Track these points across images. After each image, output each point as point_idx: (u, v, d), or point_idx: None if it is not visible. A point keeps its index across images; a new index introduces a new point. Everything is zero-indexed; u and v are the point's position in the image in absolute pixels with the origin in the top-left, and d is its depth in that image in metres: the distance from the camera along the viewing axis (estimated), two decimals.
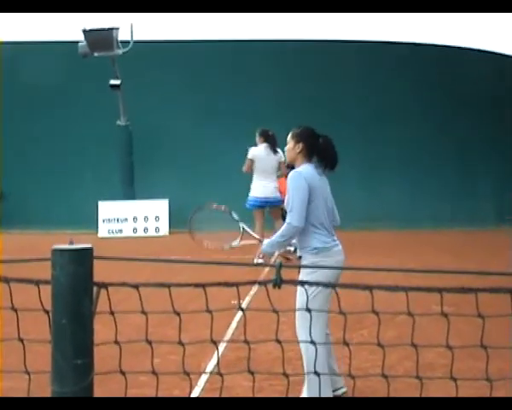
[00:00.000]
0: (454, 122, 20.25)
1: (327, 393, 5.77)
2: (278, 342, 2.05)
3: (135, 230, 19.57)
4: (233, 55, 20.66)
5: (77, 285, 1.90)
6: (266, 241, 6.09)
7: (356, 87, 20.38)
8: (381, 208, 18.08)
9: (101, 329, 2.51)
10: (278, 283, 1.89)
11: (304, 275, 5.81)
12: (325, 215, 6.01)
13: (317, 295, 5.60)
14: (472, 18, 15.86)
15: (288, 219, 5.85)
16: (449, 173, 20.21)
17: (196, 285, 1.88)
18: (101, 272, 2.37)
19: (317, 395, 5.75)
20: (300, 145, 6.01)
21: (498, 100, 20.04)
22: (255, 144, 13.07)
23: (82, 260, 1.92)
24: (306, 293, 4.75)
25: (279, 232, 5.94)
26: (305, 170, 5.97)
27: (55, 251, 1.93)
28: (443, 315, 1.95)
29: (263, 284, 1.92)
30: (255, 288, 9.77)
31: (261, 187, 13.19)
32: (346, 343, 2.24)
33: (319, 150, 6.02)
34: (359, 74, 20.46)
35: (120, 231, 19.53)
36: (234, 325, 8.54)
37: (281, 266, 1.92)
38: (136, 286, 1.94)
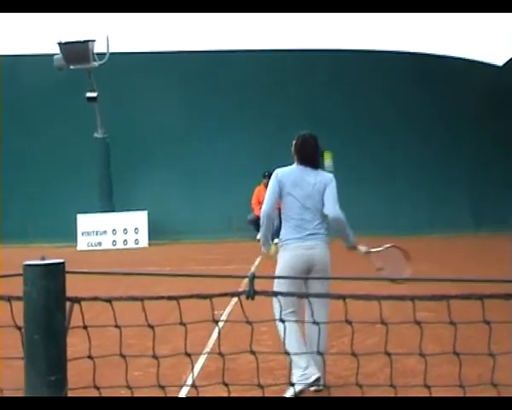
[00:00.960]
0: (433, 131, 20.37)
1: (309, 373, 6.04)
2: (253, 353, 2.05)
3: (114, 242, 19.48)
4: (209, 65, 20.66)
5: (49, 301, 1.88)
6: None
7: (335, 96, 20.43)
8: (360, 215, 18.06)
9: (80, 343, 2.49)
10: (251, 294, 1.89)
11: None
12: (298, 210, 6.56)
13: (281, 285, 6.29)
14: (457, 28, 15.95)
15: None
16: (427, 180, 20.30)
17: (169, 298, 1.87)
18: (79, 285, 2.36)
19: (296, 377, 6.04)
20: (292, 149, 6.79)
21: (478, 110, 20.19)
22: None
23: (54, 275, 1.90)
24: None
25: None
26: (286, 169, 6.72)
27: (26, 267, 1.92)
28: (416, 323, 1.96)
29: (236, 295, 1.91)
30: (236, 298, 9.76)
31: None
32: (319, 353, 2.24)
33: (299, 151, 6.73)
34: (337, 83, 20.52)
35: (99, 243, 19.44)
36: (215, 335, 8.51)
37: (254, 277, 1.92)
38: (108, 300, 1.94)
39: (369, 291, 1.96)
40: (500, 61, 20.15)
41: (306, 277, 6.43)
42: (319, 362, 5.99)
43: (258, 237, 7.03)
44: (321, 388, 6.09)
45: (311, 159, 6.71)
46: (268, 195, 6.70)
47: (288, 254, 6.47)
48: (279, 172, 6.68)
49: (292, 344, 6.00)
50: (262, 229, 6.78)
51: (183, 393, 6.25)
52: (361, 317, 2.75)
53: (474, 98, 20.25)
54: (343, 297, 1.76)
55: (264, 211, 6.69)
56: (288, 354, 5.32)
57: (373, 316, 2.57)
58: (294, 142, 6.80)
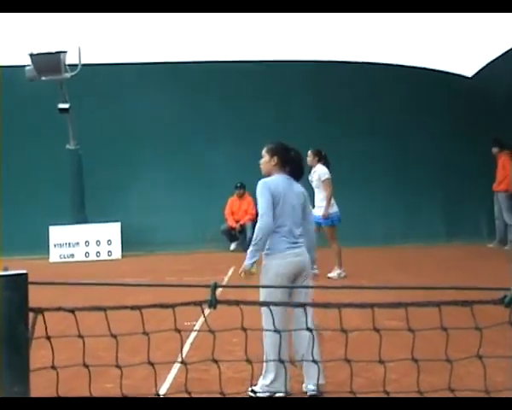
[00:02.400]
0: (406, 138, 20.50)
1: (280, 383, 6.22)
2: (215, 361, 2.06)
3: (87, 254, 19.39)
4: (186, 75, 20.65)
5: (11, 311, 1.88)
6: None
7: (313, 104, 20.52)
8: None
9: (50, 355, 2.49)
10: (213, 303, 1.91)
11: (261, 275, 6.57)
12: (289, 221, 6.66)
13: (271, 294, 6.19)
14: (428, 40, 16.14)
15: (259, 220, 6.57)
16: (400, 190, 20.41)
17: (132, 308, 1.88)
18: (48, 298, 2.36)
19: (269, 382, 6.25)
20: (275, 158, 6.77)
21: (451, 120, 20.36)
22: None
23: (16, 286, 1.90)
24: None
25: (252, 243, 6.60)
26: (273, 179, 6.75)
27: None
28: (375, 330, 1.99)
29: (198, 304, 1.93)
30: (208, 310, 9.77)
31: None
32: (315, 361, 2.26)
33: (291, 162, 6.82)
34: (319, 90, 20.59)
35: (72, 255, 19.33)
36: (187, 346, 8.50)
37: (215, 286, 1.94)
38: (72, 311, 1.94)
39: (336, 299, 1.99)
40: (469, 73, 20.41)
41: (293, 285, 6.51)
42: (315, 369, 6.11)
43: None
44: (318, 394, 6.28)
45: (300, 171, 6.94)
46: (265, 207, 6.56)
47: (279, 262, 6.54)
48: (268, 182, 6.69)
49: (278, 352, 6.13)
50: (258, 242, 6.54)
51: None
52: (331, 324, 2.77)
53: (446, 108, 20.43)
54: (303, 305, 1.78)
55: (267, 223, 6.50)
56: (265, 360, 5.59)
57: (343, 324, 2.59)
58: (281, 152, 6.81)
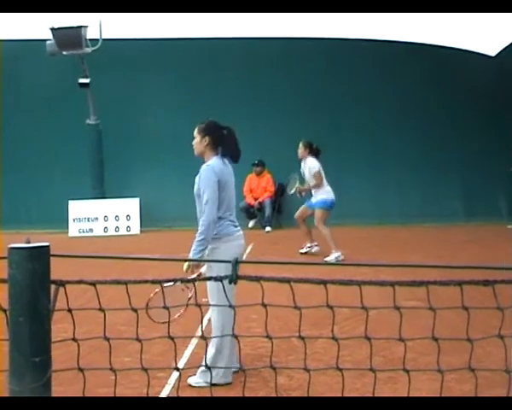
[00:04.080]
0: (424, 120, 20.36)
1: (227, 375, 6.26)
2: (235, 336, 2.06)
3: (105, 229, 19.48)
4: (206, 52, 20.62)
5: (34, 283, 1.90)
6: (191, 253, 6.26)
7: (323, 83, 20.42)
8: (350, 205, 18.13)
9: (70, 328, 2.51)
10: (234, 279, 1.91)
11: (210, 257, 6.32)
12: (232, 204, 6.51)
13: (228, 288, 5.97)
14: (451, 18, 15.92)
15: (203, 215, 6.24)
16: (418, 170, 20.32)
17: (153, 282, 1.89)
18: (68, 271, 2.38)
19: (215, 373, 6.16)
20: (207, 138, 6.46)
21: (471, 100, 20.20)
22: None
23: (39, 257, 1.92)
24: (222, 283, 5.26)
25: (197, 234, 6.26)
26: (215, 163, 6.44)
27: (11, 249, 1.94)
28: (395, 308, 1.98)
29: (219, 279, 1.93)
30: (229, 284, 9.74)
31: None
32: (301, 337, 2.27)
33: (224, 141, 6.49)
34: (327, 70, 20.50)
35: (91, 230, 19.44)
36: (204, 322, 8.54)
37: (237, 262, 1.94)
38: (93, 284, 1.95)
39: (352, 277, 1.99)
40: (492, 52, 20.19)
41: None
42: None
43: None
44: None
45: (236, 150, 6.57)
46: (212, 198, 6.27)
47: (229, 245, 6.28)
48: (215, 169, 6.39)
49: (229, 341, 6.19)
50: (204, 237, 6.20)
51: (172, 379, 6.29)
52: (350, 304, 2.76)
53: (466, 88, 20.26)
54: (324, 282, 1.78)
55: (213, 218, 6.23)
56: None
57: (363, 304, 2.59)
58: (212, 131, 6.49)
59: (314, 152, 13.78)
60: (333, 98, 20.12)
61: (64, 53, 18.81)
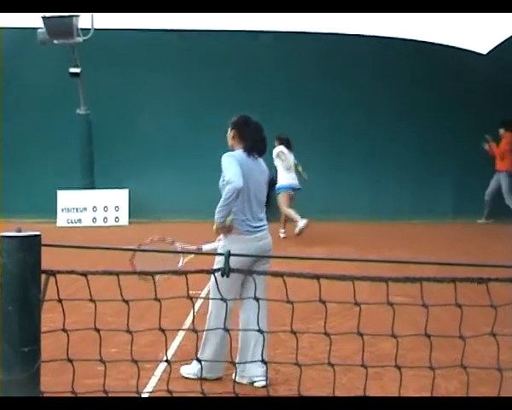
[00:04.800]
0: (417, 117, 20.40)
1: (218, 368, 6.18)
2: (226, 330, 2.05)
3: (94, 219, 19.43)
4: (198, 43, 20.57)
5: (24, 273, 1.89)
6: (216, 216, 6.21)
7: (317, 76, 20.41)
8: (343, 200, 18.18)
9: (60, 318, 2.49)
10: (226, 271, 1.90)
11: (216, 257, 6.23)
12: (253, 200, 6.29)
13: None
14: (444, 16, 15.93)
15: (228, 182, 6.08)
16: (411, 166, 20.36)
17: (144, 273, 1.87)
18: (57, 262, 2.35)
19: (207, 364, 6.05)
20: (233, 132, 6.50)
21: (463, 97, 20.25)
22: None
23: (30, 247, 1.90)
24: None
25: (221, 201, 6.14)
26: (237, 153, 6.36)
27: (2, 238, 1.92)
28: (389, 304, 1.98)
29: (211, 272, 1.92)
30: (222, 277, 9.72)
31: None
32: (293, 332, 2.25)
33: (250, 135, 6.42)
34: (320, 62, 20.49)
35: (79, 220, 19.39)
36: (192, 316, 8.53)
37: (229, 255, 1.93)
38: (84, 274, 1.94)
39: (341, 272, 1.98)
40: (484, 50, 20.24)
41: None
42: (262, 370, 6.07)
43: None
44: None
45: (263, 144, 6.50)
46: (234, 169, 6.13)
47: (240, 247, 6.08)
48: (236, 157, 6.31)
49: (221, 333, 6.00)
50: (228, 203, 6.09)
51: (159, 371, 6.28)
52: (339, 299, 2.75)
53: (458, 86, 20.31)
54: (317, 277, 1.77)
55: (238, 184, 6.07)
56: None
57: (351, 298, 2.58)
58: (239, 125, 6.50)
59: (285, 144, 15.45)
60: (329, 98, 20.12)
61: (55, 42, 18.72)
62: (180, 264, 6.14)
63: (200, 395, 2.67)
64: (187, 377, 6.14)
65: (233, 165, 6.18)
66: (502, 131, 18.84)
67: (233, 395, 2.64)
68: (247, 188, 6.19)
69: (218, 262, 6.02)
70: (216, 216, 6.19)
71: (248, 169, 6.25)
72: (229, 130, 6.56)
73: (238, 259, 5.77)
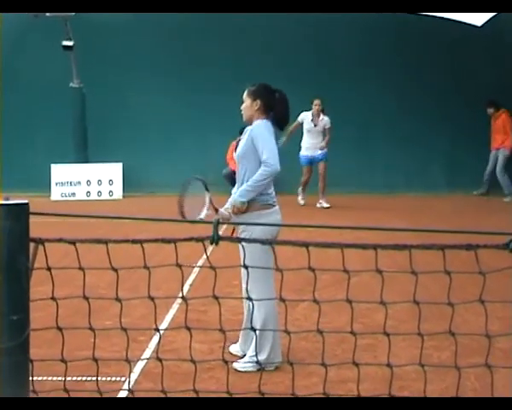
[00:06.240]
0: (408, 90, 20.31)
1: (276, 353, 5.88)
2: (215, 297, 2.06)
3: (88, 193, 19.42)
4: (193, 17, 20.41)
5: (12, 241, 1.88)
6: (238, 192, 5.92)
7: (309, 58, 20.34)
8: (335, 173, 18.11)
9: (50, 290, 2.49)
10: (215, 239, 1.90)
11: (245, 230, 5.86)
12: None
13: (261, 253, 5.14)
14: None
15: (265, 163, 5.76)
16: (403, 139, 20.32)
17: (133, 241, 1.87)
18: (49, 234, 2.35)
19: (267, 354, 5.88)
20: (258, 102, 5.98)
21: (455, 70, 20.19)
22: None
23: (17, 215, 1.90)
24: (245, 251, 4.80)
25: (255, 177, 5.81)
26: (270, 125, 5.98)
27: None
28: (378, 272, 1.98)
29: (200, 240, 1.92)
30: (210, 248, 9.74)
31: None
32: (282, 299, 2.26)
33: (276, 105, 6.02)
34: (313, 42, 20.40)
35: (73, 194, 19.37)
36: (186, 287, 8.55)
37: (218, 223, 1.92)
38: (73, 242, 1.93)
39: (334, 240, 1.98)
40: (479, 22, 20.13)
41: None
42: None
43: (234, 191, 6.21)
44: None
45: (287, 115, 6.15)
46: (274, 150, 5.81)
47: (268, 220, 5.83)
48: (269, 125, 5.98)
49: (274, 324, 5.82)
50: (259, 184, 5.78)
51: (152, 343, 6.31)
52: (332, 271, 2.74)
53: (450, 59, 20.25)
54: (306, 245, 1.77)
55: (276, 170, 5.77)
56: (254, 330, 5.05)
57: (343, 266, 2.59)
58: (265, 94, 6.00)
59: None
60: (319, 72, 20.02)
61: (47, 15, 18.58)
62: (203, 214, 6.00)
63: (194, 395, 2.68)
64: (242, 371, 5.82)
65: (272, 142, 5.85)
66: (491, 110, 18.65)
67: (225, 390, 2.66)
68: None
69: (251, 235, 5.66)
70: (242, 194, 5.83)
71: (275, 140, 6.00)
72: (250, 100, 6.01)
73: (268, 232, 5.72)
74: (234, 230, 6.14)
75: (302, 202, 16.56)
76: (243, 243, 2.19)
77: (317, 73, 19.93)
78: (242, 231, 5.85)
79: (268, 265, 5.40)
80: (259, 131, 5.89)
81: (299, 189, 16.66)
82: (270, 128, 5.96)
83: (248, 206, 5.86)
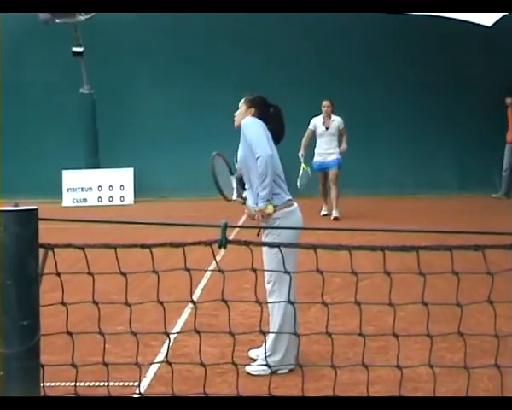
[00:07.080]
0: (417, 90, 20.24)
1: (291, 356, 5.88)
2: (224, 301, 2.07)
3: (100, 199, 19.47)
4: (202, 23, 20.44)
5: (22, 247, 1.90)
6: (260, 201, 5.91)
7: (315, 57, 20.31)
8: (343, 175, 18.04)
9: (60, 296, 2.50)
10: (223, 243, 1.90)
11: (271, 232, 5.85)
12: (281, 172, 6.06)
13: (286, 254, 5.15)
14: None
15: (257, 155, 5.82)
16: (412, 140, 20.24)
17: (142, 246, 1.88)
18: (59, 240, 2.36)
19: (281, 356, 5.90)
20: (252, 110, 6.09)
21: (468, 67, 20.10)
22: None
23: (27, 221, 1.92)
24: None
25: (257, 176, 5.87)
26: (253, 117, 6.08)
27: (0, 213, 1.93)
28: (386, 273, 1.98)
29: (208, 243, 1.93)
30: (222, 252, 9.74)
31: None
32: (291, 302, 2.25)
33: (269, 119, 6.09)
34: (313, 40, 20.35)
35: (85, 200, 19.43)
36: (198, 291, 8.57)
37: (226, 226, 1.93)
38: (81, 247, 1.95)
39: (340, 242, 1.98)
40: (488, 22, 20.03)
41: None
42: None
43: (245, 194, 6.24)
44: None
45: (282, 130, 6.19)
46: (262, 138, 5.86)
47: (292, 220, 5.90)
48: (257, 120, 6.03)
49: (290, 327, 5.73)
50: (268, 182, 5.80)
51: (165, 348, 6.32)
52: (342, 274, 2.74)
53: (458, 59, 20.17)
54: (314, 247, 1.78)
55: (268, 154, 5.80)
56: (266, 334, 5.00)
57: (351, 268, 2.59)
58: (261, 106, 6.13)
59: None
60: (319, 72, 19.97)
61: (57, 21, 18.66)
62: (234, 196, 6.14)
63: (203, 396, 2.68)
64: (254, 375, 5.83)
65: (257, 130, 5.92)
66: (509, 100, 18.34)
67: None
68: (276, 156, 6.02)
69: (276, 238, 5.69)
70: (262, 194, 5.83)
71: (270, 140, 6.02)
72: (245, 107, 6.17)
73: (295, 231, 5.84)
74: (260, 231, 6.15)
75: (322, 212, 15.38)
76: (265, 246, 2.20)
77: (317, 73, 19.87)
78: (268, 234, 5.85)
79: (291, 266, 5.43)
80: (247, 125, 5.98)
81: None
82: (257, 120, 6.02)
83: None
